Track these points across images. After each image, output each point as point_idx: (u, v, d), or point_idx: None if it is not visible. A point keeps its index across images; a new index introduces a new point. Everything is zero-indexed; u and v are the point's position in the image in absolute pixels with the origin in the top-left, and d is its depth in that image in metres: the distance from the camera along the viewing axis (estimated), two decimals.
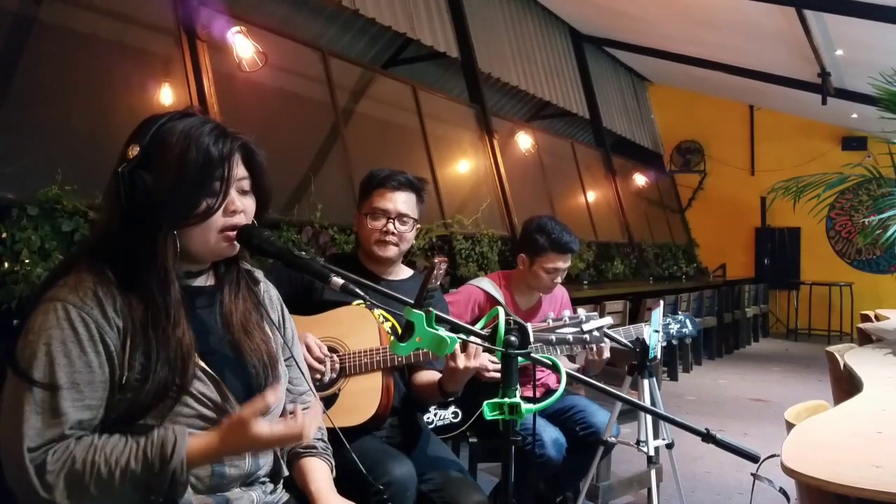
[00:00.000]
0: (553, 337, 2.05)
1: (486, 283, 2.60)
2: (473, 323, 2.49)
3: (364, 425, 1.76)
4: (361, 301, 1.81)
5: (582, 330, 2.05)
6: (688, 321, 2.36)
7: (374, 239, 1.95)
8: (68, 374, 1.04)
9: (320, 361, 1.73)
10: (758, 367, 7.33)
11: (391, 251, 1.96)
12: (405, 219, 1.96)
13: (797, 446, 1.46)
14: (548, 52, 7.98)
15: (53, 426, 1.03)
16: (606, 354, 2.25)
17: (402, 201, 1.96)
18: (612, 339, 2.20)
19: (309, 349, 1.73)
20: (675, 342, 2.40)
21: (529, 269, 2.56)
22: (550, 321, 2.08)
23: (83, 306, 1.07)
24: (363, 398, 1.78)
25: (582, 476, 2.52)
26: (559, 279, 2.58)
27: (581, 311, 2.13)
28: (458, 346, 1.67)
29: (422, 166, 5.36)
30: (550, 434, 2.34)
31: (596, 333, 2.07)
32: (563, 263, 2.55)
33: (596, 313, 2.14)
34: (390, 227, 1.94)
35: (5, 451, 1.04)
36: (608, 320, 2.14)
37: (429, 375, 1.91)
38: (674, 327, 2.34)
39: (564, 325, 2.06)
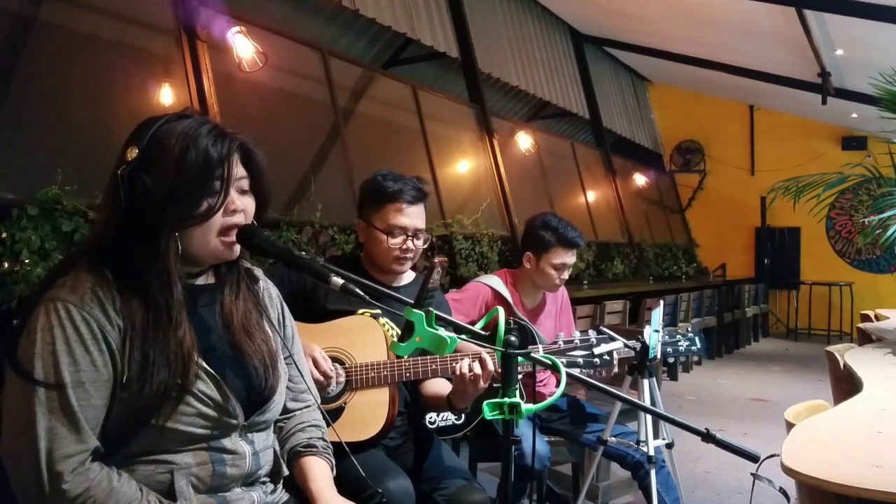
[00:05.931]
0: (563, 360, 1.97)
1: (495, 281, 2.59)
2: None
3: (371, 440, 1.73)
4: (366, 310, 1.82)
5: (593, 353, 1.99)
6: (697, 339, 2.33)
7: (394, 256, 1.92)
8: (73, 374, 1.04)
9: (327, 377, 1.70)
10: (758, 367, 7.32)
11: (408, 265, 1.97)
12: (420, 233, 1.94)
13: (797, 446, 1.46)
14: (548, 52, 7.98)
15: (68, 426, 1.03)
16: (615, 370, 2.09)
17: (417, 216, 1.93)
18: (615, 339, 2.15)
19: (316, 363, 1.69)
20: (682, 358, 2.35)
21: (536, 266, 2.55)
22: (562, 343, 2.03)
23: (83, 305, 1.07)
24: (370, 412, 1.74)
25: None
26: (566, 275, 2.58)
27: (592, 333, 2.04)
28: (466, 367, 1.68)
29: (422, 166, 5.36)
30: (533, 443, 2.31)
31: (607, 358, 1.99)
32: (570, 258, 2.55)
33: (606, 335, 2.04)
34: (409, 244, 1.91)
35: (14, 455, 1.03)
36: (619, 344, 2.04)
37: (437, 387, 1.88)
38: (683, 344, 2.32)
39: (575, 348, 2.00)
